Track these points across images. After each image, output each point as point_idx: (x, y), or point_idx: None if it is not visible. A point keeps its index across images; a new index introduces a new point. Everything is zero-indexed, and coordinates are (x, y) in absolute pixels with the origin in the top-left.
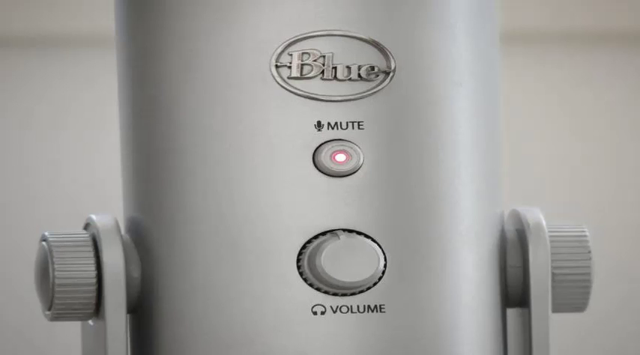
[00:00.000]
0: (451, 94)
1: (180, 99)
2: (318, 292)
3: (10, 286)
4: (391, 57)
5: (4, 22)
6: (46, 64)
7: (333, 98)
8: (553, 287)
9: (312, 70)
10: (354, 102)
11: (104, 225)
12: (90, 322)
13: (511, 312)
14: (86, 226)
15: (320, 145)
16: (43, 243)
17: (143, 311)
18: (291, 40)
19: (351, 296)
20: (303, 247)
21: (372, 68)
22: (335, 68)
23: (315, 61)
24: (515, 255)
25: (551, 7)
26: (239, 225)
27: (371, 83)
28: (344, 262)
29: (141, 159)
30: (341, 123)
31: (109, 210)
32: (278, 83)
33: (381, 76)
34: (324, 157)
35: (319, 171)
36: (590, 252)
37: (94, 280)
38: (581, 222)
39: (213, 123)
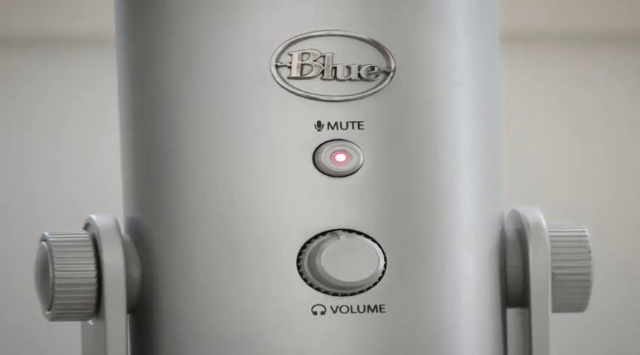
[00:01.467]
0: (451, 94)
1: (180, 99)
2: (318, 292)
3: (10, 286)
4: (391, 57)
5: (4, 22)
6: (46, 64)
7: (333, 98)
8: (553, 287)
9: (312, 70)
10: (354, 102)
11: (104, 225)
12: (90, 322)
13: (511, 312)
14: (86, 226)
15: (320, 145)
16: (43, 243)
17: (143, 311)
18: (291, 40)
19: (351, 296)
20: (303, 247)
21: (372, 68)
22: (335, 68)
23: (315, 61)
24: (515, 255)
25: (551, 7)
26: (239, 225)
27: (371, 83)
28: (344, 262)
29: (141, 159)
30: (341, 123)
31: (109, 210)
32: (278, 83)
33: (381, 76)
34: (324, 157)
35: (319, 171)
36: (590, 252)
37: (94, 280)
38: (581, 222)
39: (213, 123)
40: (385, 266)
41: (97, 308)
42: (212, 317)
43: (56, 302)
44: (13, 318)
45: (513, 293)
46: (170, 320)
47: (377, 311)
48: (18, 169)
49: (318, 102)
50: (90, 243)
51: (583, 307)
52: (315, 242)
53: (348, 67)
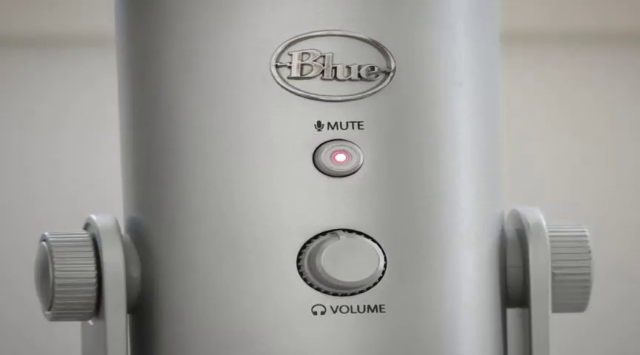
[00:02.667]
0: (451, 94)
1: (180, 99)
2: (318, 292)
3: (10, 286)
4: (391, 57)
5: (4, 22)
6: (46, 64)
7: (333, 98)
8: (553, 287)
9: (312, 70)
10: (354, 102)
11: (104, 225)
12: (90, 322)
13: (511, 312)
14: (86, 226)
15: (320, 145)
16: (43, 243)
17: (143, 311)
18: (291, 40)
19: (351, 296)
20: (303, 247)
21: (372, 68)
22: (335, 68)
23: (315, 61)
24: (515, 255)
25: (551, 7)
26: (239, 225)
27: (371, 83)
28: (344, 262)
29: (141, 159)
30: (341, 123)
31: (109, 210)
32: (278, 83)
33: (381, 76)
34: (324, 157)
35: (319, 171)
36: (590, 252)
37: (94, 280)
38: (581, 222)
39: (213, 123)
40: (385, 266)
41: (97, 308)
42: (212, 317)
43: (56, 302)
44: (13, 318)
45: (513, 293)
46: (170, 320)
47: (377, 311)
48: (18, 169)
49: (318, 102)
50: (90, 243)
51: (583, 307)
52: (315, 242)
53: (348, 67)
